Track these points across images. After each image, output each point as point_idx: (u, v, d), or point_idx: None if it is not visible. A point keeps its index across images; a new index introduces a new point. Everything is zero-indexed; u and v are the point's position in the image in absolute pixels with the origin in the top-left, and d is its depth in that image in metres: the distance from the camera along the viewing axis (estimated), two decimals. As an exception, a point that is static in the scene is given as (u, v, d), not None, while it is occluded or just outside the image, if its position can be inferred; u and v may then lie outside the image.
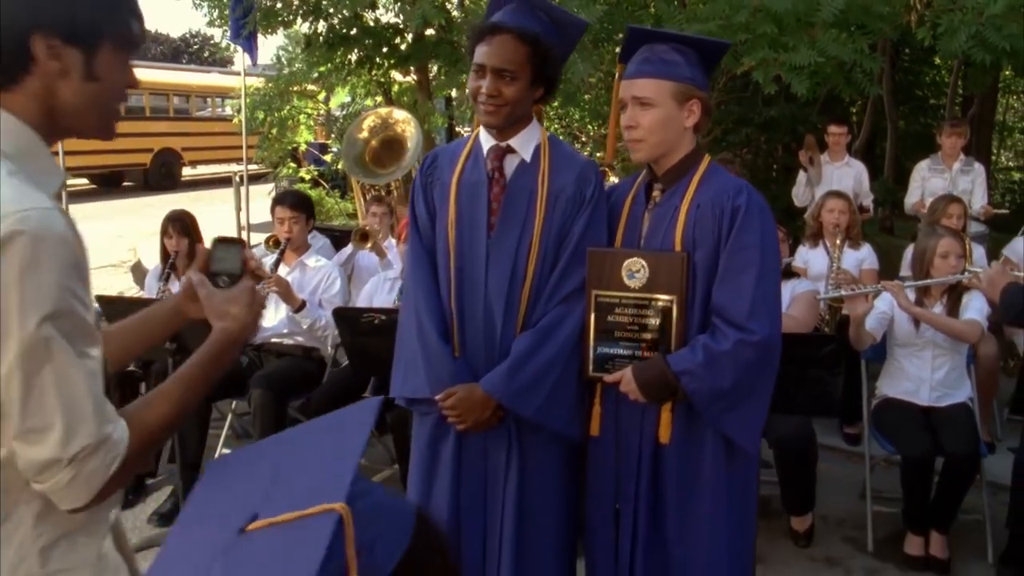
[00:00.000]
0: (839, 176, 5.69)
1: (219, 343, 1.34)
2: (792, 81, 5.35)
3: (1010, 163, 14.88)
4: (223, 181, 17.56)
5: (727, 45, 2.18)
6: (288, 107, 10.29)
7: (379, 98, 10.28)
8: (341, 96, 11.18)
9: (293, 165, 10.88)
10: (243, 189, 8.23)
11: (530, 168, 2.07)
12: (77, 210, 10.85)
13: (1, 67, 1.10)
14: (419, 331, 2.08)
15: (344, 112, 10.43)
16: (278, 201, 4.12)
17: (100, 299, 3.64)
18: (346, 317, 3.00)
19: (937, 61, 10.58)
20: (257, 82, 10.26)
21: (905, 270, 4.18)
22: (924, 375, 3.29)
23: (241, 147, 8.55)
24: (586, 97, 7.20)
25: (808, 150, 5.78)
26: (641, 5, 6.04)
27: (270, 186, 11.05)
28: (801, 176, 5.80)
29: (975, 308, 3.26)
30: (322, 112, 11.38)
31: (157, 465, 3.91)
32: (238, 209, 8.19)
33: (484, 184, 2.07)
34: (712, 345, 1.87)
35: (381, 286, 3.82)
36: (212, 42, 36.64)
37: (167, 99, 17.96)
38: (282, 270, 3.95)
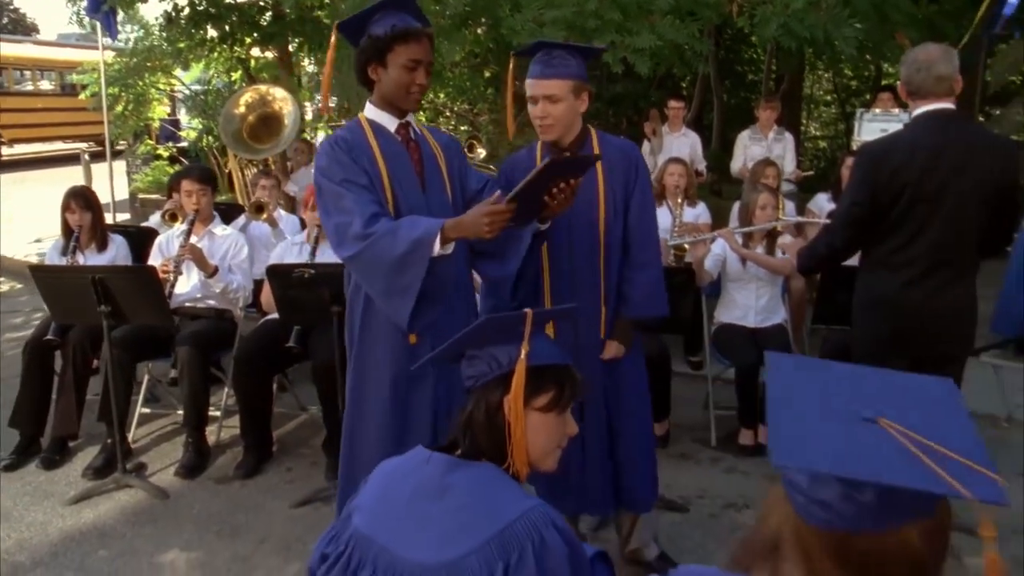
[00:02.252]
0: (678, 145, 6.54)
1: None
2: (636, 62, 6.11)
3: (817, 132, 16.69)
4: (50, 160, 16.53)
5: (603, 49, 2.85)
6: (140, 84, 10.10)
7: (236, 74, 10.31)
8: (196, 71, 11.06)
9: (151, 142, 10.70)
10: (109, 165, 8.14)
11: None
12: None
13: None
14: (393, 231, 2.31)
15: (204, 88, 10.35)
16: (184, 175, 4.39)
17: (32, 268, 3.84)
18: (278, 273, 3.42)
19: (755, 40, 11.83)
20: (107, 56, 10.01)
21: (733, 222, 5.02)
22: (750, 303, 4.12)
23: (74, 124, 8.41)
24: (449, 76, 7.69)
25: (652, 122, 6.59)
26: (504, -8, 6.58)
27: (122, 164, 10.81)
28: (645, 145, 6.60)
29: (784, 250, 4.10)
30: (176, 88, 11.21)
31: (79, 429, 4.13)
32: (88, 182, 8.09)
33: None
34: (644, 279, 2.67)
35: (290, 249, 4.21)
36: (11, 7, 33.51)
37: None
38: (192, 239, 4.25)
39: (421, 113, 11.03)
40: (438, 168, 2.55)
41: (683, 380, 4.68)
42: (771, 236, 4.17)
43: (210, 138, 8.75)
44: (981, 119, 9.80)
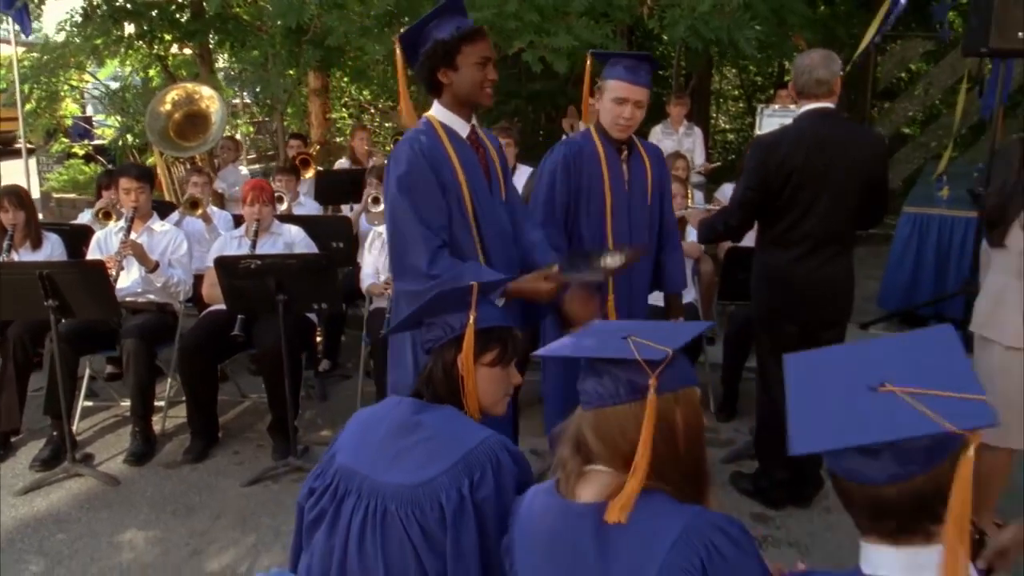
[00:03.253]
0: (594, 140, 6.89)
1: None
2: (553, 61, 6.45)
3: (726, 126, 17.45)
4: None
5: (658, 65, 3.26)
6: (54, 80, 9.88)
7: (153, 71, 10.21)
8: (111, 68, 10.88)
9: (66, 140, 10.46)
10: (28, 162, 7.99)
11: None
12: None
13: None
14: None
15: (121, 85, 10.19)
16: (122, 173, 4.48)
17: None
18: (226, 264, 3.59)
19: (665, 38, 12.37)
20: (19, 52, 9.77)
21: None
22: (664, 284, 4.50)
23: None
24: (373, 74, 7.89)
25: (569, 119, 6.93)
26: (423, -8, 6.82)
27: (32, 161, 10.54)
28: (564, 139, 6.93)
29: (694, 235, 4.49)
30: (88, 85, 10.99)
31: (21, 424, 4.20)
32: None
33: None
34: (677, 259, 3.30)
35: (229, 243, 4.37)
36: None
37: None
38: (132, 236, 4.36)
39: (344, 110, 11.16)
40: (497, 171, 2.68)
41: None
42: (680, 222, 4.55)
43: (130, 136, 8.66)
44: (874, 113, 10.49)
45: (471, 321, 1.78)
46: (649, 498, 1.30)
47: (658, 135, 6.93)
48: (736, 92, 17.23)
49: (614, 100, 2.94)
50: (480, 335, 1.77)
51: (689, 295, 4.56)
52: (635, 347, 1.36)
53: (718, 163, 8.30)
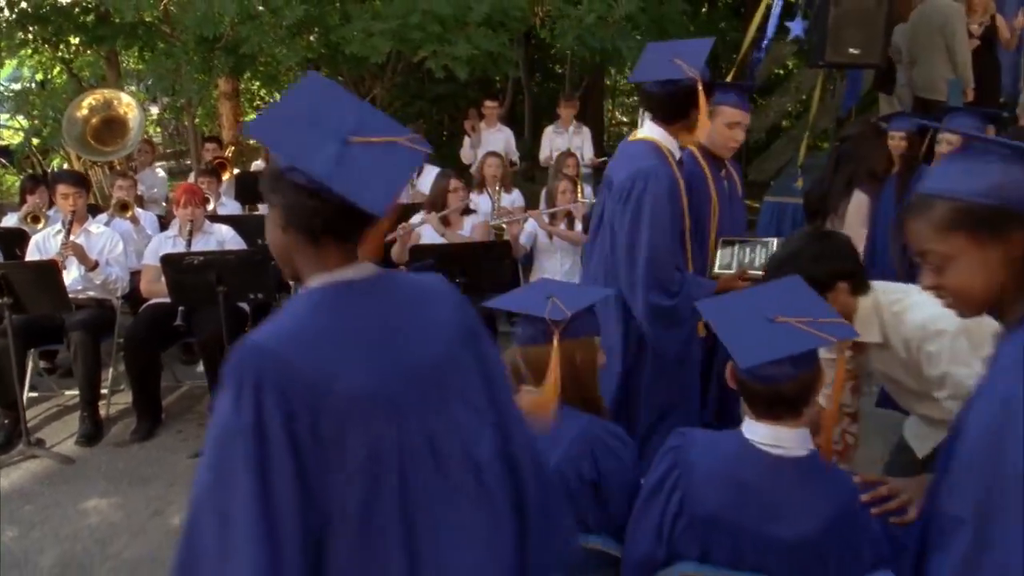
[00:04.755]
0: (494, 139, 7.52)
1: None
2: (455, 68, 7.04)
3: (623, 118, 18.41)
4: None
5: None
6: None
7: (56, 71, 10.23)
8: (8, 68, 10.80)
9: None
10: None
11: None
12: None
13: None
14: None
15: (24, 87, 10.15)
16: (59, 180, 4.83)
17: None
18: (171, 261, 4.05)
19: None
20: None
21: (542, 205, 6.08)
22: (556, 268, 5.17)
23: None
24: (284, 79, 8.26)
25: (470, 120, 7.55)
26: (331, 2, 7.27)
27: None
28: (466, 140, 7.55)
29: (579, 226, 5.19)
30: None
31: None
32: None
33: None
34: None
35: (164, 243, 4.79)
36: None
37: None
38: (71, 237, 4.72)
39: (254, 112, 11.41)
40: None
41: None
42: (570, 214, 5.24)
43: (36, 140, 8.74)
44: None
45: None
46: (562, 409, 1.95)
47: (550, 134, 7.61)
48: (631, 87, 18.24)
49: (727, 124, 3.09)
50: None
51: (577, 278, 5.25)
52: (551, 306, 1.99)
53: (604, 158, 9.05)
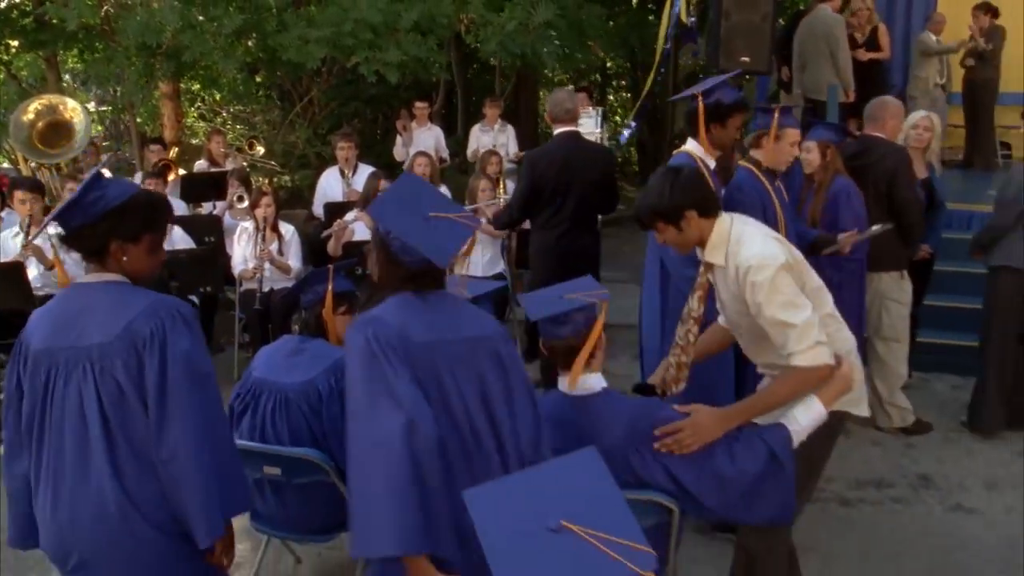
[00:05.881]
0: (424, 138, 8.06)
1: None
2: (386, 73, 7.56)
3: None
4: None
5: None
6: None
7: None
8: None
9: None
10: None
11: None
12: None
13: None
14: None
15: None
16: (16, 187, 5.24)
17: None
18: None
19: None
20: None
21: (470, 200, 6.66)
22: (478, 259, 5.75)
23: None
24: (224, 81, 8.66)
25: (402, 120, 8.08)
26: (268, 8, 7.70)
27: None
28: (398, 139, 8.08)
29: (500, 220, 5.79)
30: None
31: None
32: None
33: None
34: None
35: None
36: None
37: None
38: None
39: (194, 111, 11.74)
40: None
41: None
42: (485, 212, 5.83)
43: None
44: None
45: (329, 288, 2.94)
46: None
47: (477, 132, 8.19)
48: (564, 80, 18.90)
49: (792, 144, 3.63)
50: (335, 297, 2.94)
51: (498, 267, 5.86)
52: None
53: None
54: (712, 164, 3.37)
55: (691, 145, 3.40)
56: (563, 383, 2.36)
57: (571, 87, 4.44)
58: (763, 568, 2.63)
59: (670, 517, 2.41)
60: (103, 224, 2.06)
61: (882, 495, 3.95)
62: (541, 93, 15.35)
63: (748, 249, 2.44)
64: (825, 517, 3.73)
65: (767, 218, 3.40)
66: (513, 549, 1.27)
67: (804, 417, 2.31)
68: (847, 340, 2.61)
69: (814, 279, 2.57)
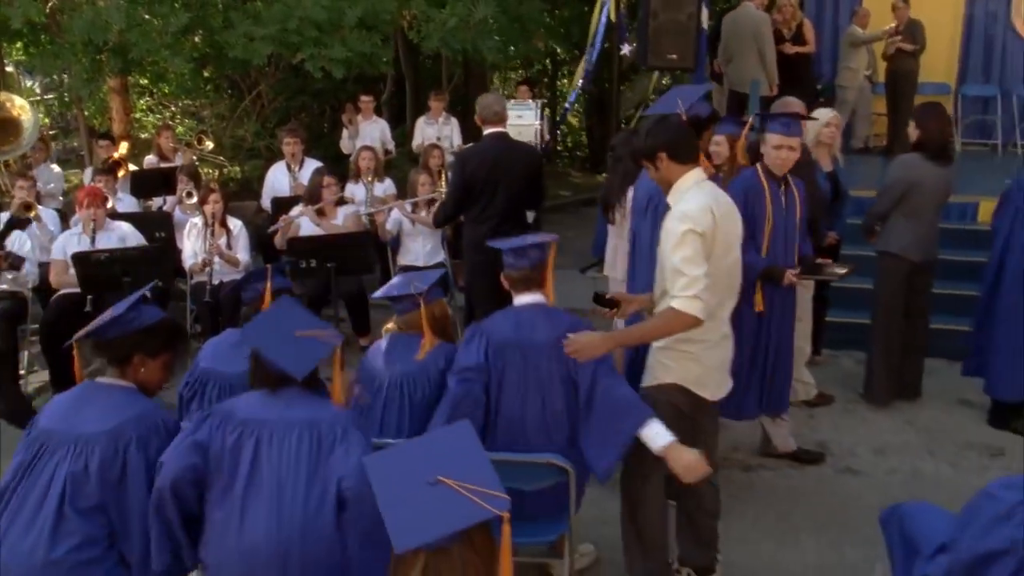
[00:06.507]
0: (370, 130, 8.32)
1: None
2: (332, 68, 7.78)
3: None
4: None
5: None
6: None
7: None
8: None
9: None
10: None
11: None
12: None
13: None
14: None
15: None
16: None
17: None
18: (81, 258, 4.76)
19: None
20: None
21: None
22: (419, 249, 6.07)
23: None
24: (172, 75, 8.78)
25: (347, 113, 8.32)
26: (213, 5, 7.86)
27: None
28: (344, 132, 8.32)
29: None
30: None
31: None
32: None
33: None
34: None
35: (71, 240, 5.44)
36: None
37: None
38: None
39: (143, 105, 11.79)
40: None
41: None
42: (431, 203, 6.13)
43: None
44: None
45: (268, 286, 3.23)
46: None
47: (421, 125, 8.47)
48: (518, 65, 19.18)
49: (773, 147, 3.84)
50: (273, 293, 3.24)
51: (439, 256, 6.17)
52: (413, 287, 3.15)
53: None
54: None
55: None
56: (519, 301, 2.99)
57: (499, 93, 4.73)
58: (643, 514, 3.04)
59: (567, 477, 2.79)
60: (133, 338, 2.52)
61: (781, 462, 4.38)
62: (496, 78, 15.65)
63: (685, 203, 2.83)
64: (727, 483, 4.12)
65: (756, 220, 3.82)
66: (401, 500, 1.64)
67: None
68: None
69: (725, 264, 2.93)
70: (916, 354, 5.04)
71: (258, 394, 2.43)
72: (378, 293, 3.47)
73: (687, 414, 2.99)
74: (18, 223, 5.47)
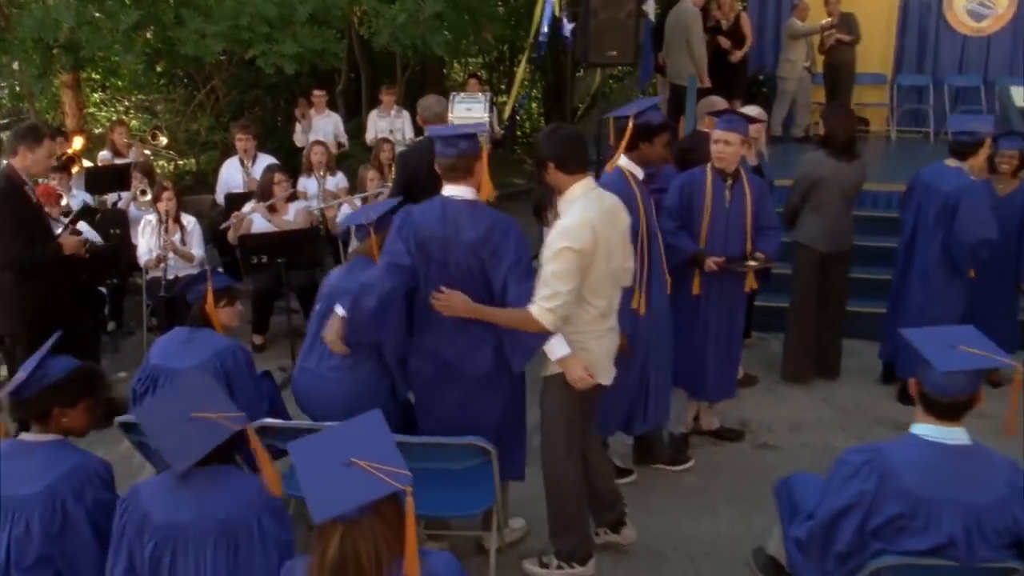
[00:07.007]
0: (323, 124, 8.49)
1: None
2: (284, 64, 7.91)
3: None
4: None
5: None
6: None
7: None
8: None
9: None
10: None
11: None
12: None
13: None
14: None
15: None
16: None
17: None
18: (36, 257, 4.92)
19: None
20: None
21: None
22: (369, 243, 6.30)
23: None
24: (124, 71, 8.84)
25: (300, 108, 8.48)
26: (165, 2, 7.94)
27: None
28: (297, 126, 8.48)
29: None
30: None
31: None
32: None
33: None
34: None
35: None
36: None
37: None
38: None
39: (96, 97, 11.78)
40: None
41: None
42: (379, 197, 6.36)
43: None
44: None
45: (209, 287, 3.45)
46: None
47: (374, 118, 8.65)
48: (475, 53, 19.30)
49: (713, 142, 4.19)
50: (215, 292, 3.46)
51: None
52: (366, 218, 3.56)
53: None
54: (641, 175, 3.72)
55: (623, 160, 3.69)
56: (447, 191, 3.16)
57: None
58: (564, 488, 3.34)
59: (490, 458, 3.08)
60: (46, 395, 2.56)
61: (704, 439, 4.71)
62: (456, 65, 15.77)
63: (569, 217, 3.01)
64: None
65: (691, 207, 4.21)
66: (319, 479, 1.89)
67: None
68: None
69: (610, 267, 3.16)
70: (834, 336, 5.40)
71: (168, 482, 2.31)
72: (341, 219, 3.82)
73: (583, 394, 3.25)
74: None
